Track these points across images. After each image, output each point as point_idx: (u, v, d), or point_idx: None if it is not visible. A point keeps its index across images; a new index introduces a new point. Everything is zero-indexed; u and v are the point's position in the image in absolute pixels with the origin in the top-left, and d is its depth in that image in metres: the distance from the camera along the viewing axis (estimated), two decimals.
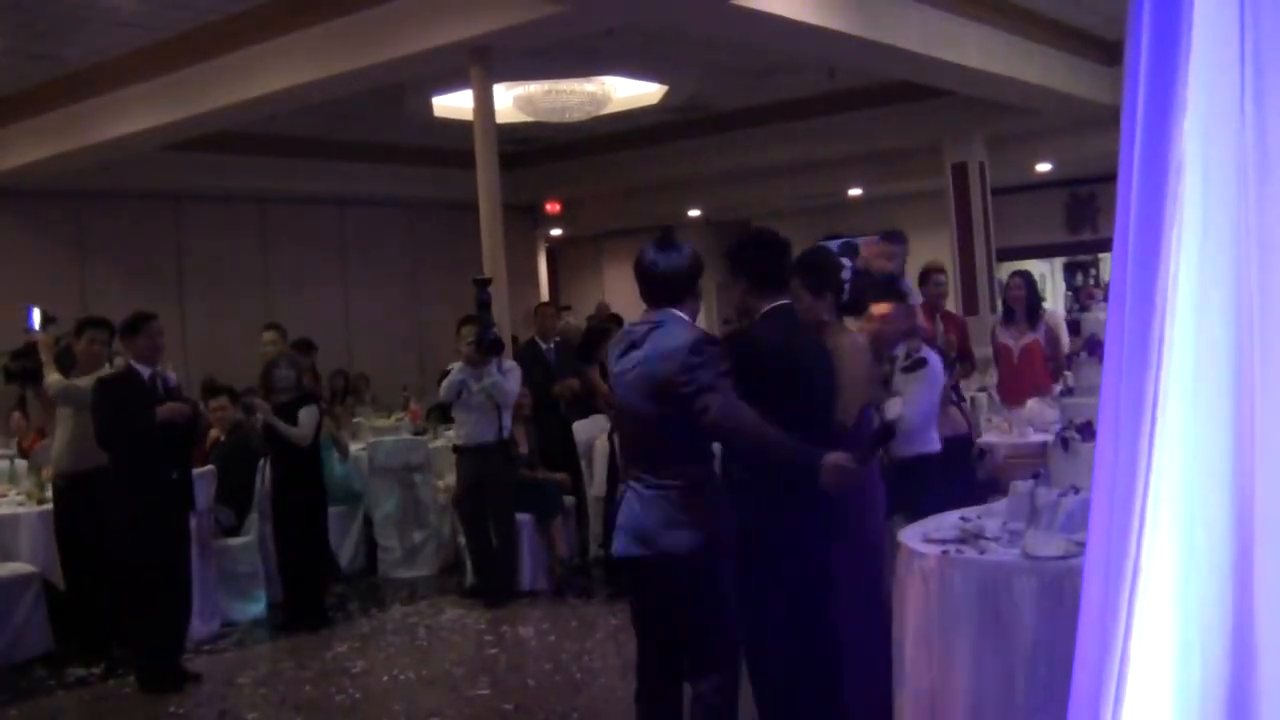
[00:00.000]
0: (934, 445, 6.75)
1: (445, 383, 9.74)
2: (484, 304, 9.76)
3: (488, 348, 9.52)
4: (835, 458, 4.65)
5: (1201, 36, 2.27)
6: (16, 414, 12.08)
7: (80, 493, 8.23)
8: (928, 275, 9.90)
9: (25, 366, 9.22)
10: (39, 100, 13.22)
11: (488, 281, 9.90)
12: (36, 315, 9.20)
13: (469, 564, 10.00)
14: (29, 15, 10.75)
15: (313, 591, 9.38)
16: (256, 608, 9.60)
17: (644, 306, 4.99)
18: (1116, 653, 2.28)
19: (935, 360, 6.85)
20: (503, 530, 9.71)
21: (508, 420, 9.71)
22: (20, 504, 9.26)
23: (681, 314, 4.88)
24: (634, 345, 4.89)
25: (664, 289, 4.91)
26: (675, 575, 4.83)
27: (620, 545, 4.94)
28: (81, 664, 8.35)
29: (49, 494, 9.02)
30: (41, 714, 7.54)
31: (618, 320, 12.78)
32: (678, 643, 4.97)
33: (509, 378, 9.64)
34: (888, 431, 5.31)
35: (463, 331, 9.81)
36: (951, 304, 15.67)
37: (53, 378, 8.56)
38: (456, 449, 9.93)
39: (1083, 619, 2.47)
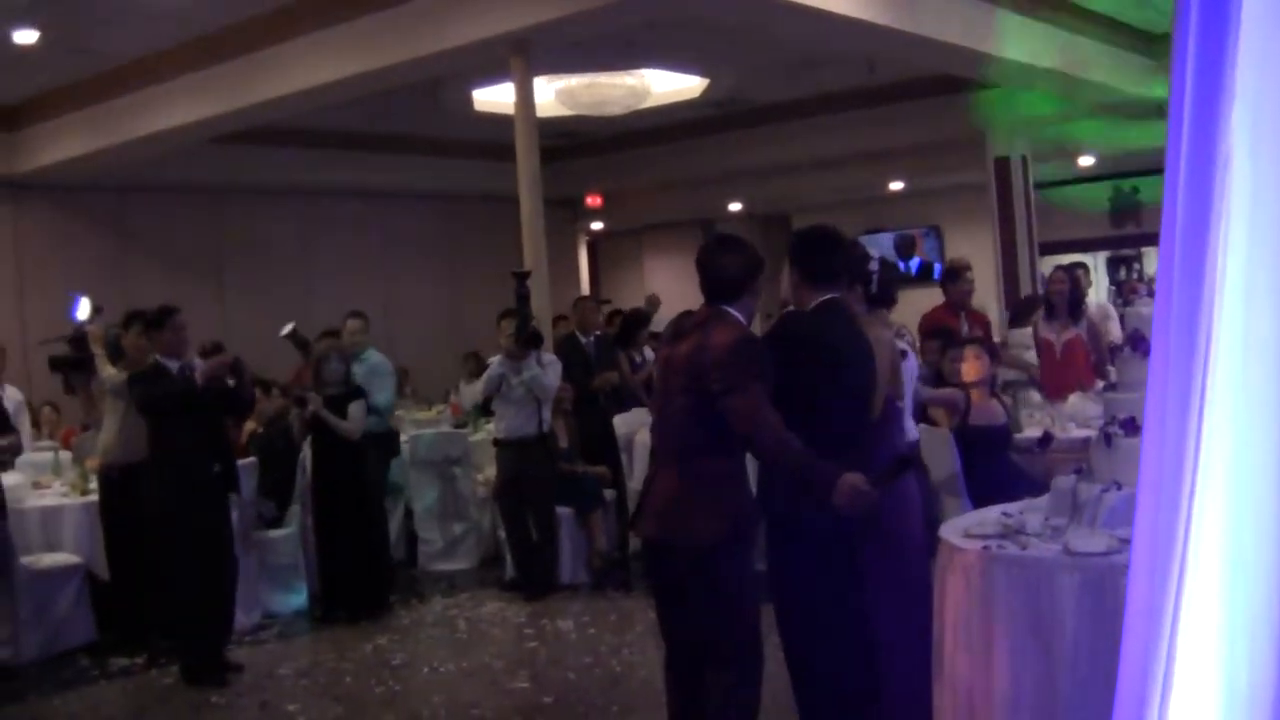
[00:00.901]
0: (912, 434, 6.76)
1: (485, 376, 9.78)
2: (523, 297, 9.76)
3: (527, 340, 9.51)
4: (852, 479, 4.63)
5: (1249, 27, 2.25)
6: (47, 409, 12.20)
7: (129, 483, 8.25)
8: (957, 273, 10.06)
9: (72, 356, 9.25)
10: (82, 95, 13.32)
11: (527, 275, 9.92)
12: (83, 305, 9.25)
13: (509, 557, 10.00)
14: (72, 11, 10.82)
15: (360, 582, 9.36)
16: (298, 599, 9.64)
17: (688, 299, 5.03)
18: (1163, 650, 2.26)
19: (911, 354, 6.93)
20: (542, 524, 9.71)
21: (547, 414, 9.72)
22: (64, 495, 9.32)
23: (735, 312, 4.90)
24: (680, 336, 4.95)
25: (720, 286, 4.95)
26: (696, 563, 4.84)
27: (647, 528, 5.00)
28: (124, 654, 8.40)
29: (92, 485, 9.06)
30: (84, 704, 7.58)
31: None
32: (698, 630, 4.98)
33: (548, 371, 9.64)
34: (905, 462, 5.30)
35: (502, 324, 9.82)
36: (993, 299, 15.72)
37: (108, 370, 8.62)
38: (496, 442, 9.94)
39: (1128, 616, 2.45)
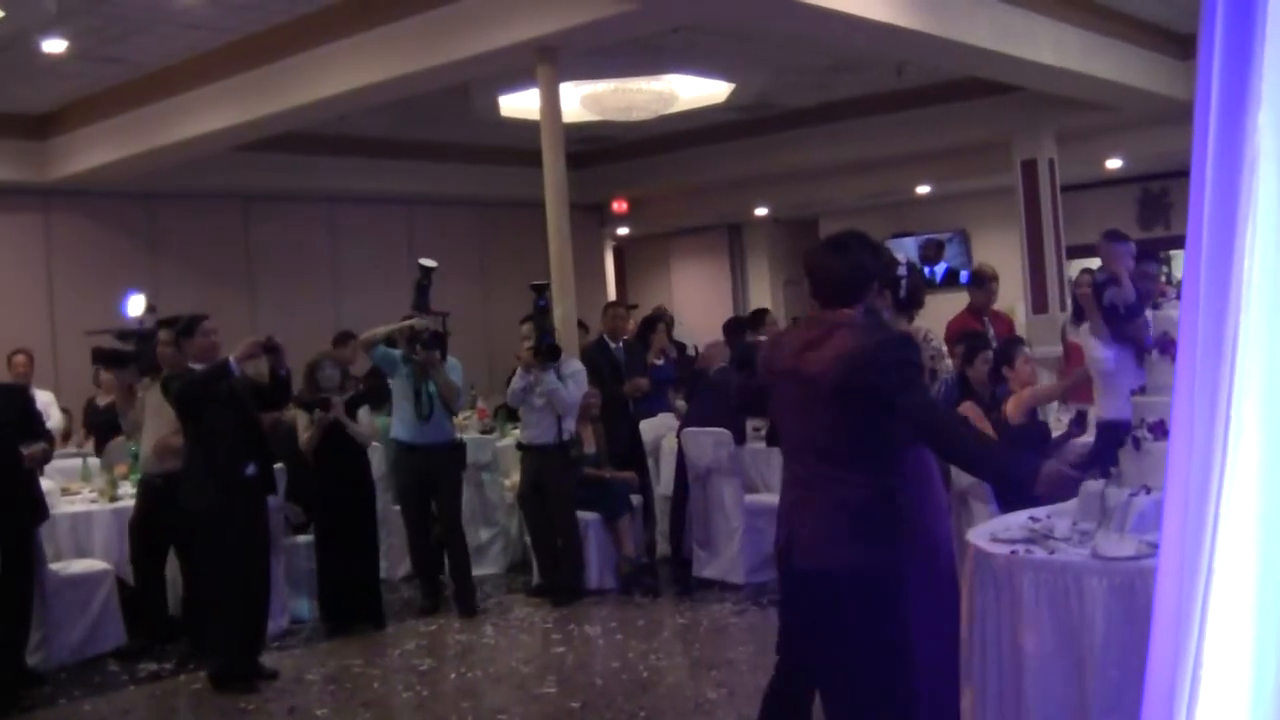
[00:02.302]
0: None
1: (510, 390, 9.81)
2: (542, 309, 9.69)
3: (545, 354, 9.47)
4: (1055, 466, 4.40)
5: (1276, 30, 2.24)
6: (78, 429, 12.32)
7: (172, 491, 8.21)
8: (984, 280, 10.28)
9: (120, 350, 9.24)
10: (112, 103, 13.39)
11: (545, 287, 9.86)
12: (135, 301, 9.24)
13: (535, 562, 10.02)
14: (101, 19, 10.88)
15: (359, 591, 9.34)
16: (313, 605, 9.63)
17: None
18: (1191, 655, 2.25)
19: (948, 358, 6.95)
20: (565, 529, 9.72)
21: (570, 423, 9.70)
22: (93, 501, 9.36)
23: (858, 315, 4.64)
24: (810, 345, 4.61)
25: (833, 290, 4.66)
26: (857, 594, 4.49)
27: (801, 559, 4.59)
28: (153, 659, 8.44)
29: (120, 491, 9.09)
30: (114, 709, 7.62)
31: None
32: (840, 668, 4.65)
33: (570, 382, 9.62)
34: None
35: (523, 329, 9.83)
36: (1021, 302, 15.72)
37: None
38: (520, 446, 10.00)
39: (1156, 620, 2.44)
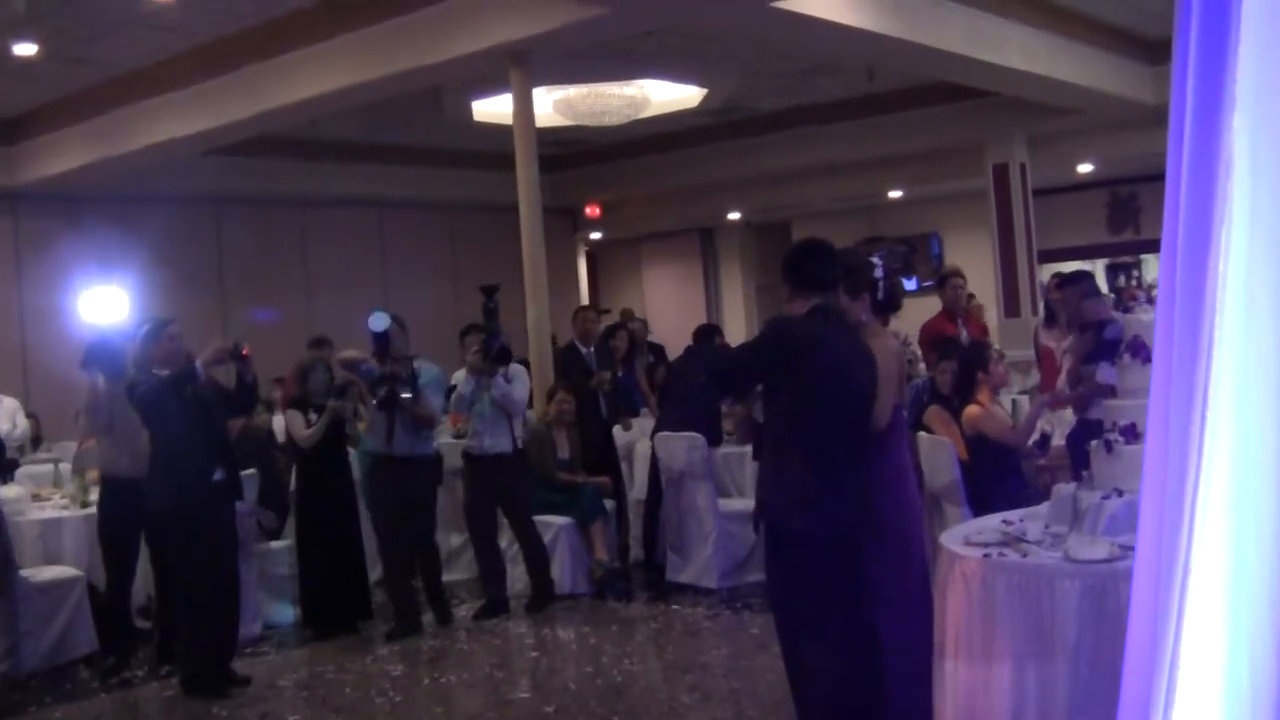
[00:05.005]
0: None
1: (454, 396, 9.54)
2: (491, 312, 9.35)
3: (495, 357, 9.23)
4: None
5: (1249, 33, 2.25)
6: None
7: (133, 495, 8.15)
8: (945, 279, 10.31)
9: None
10: (81, 107, 13.35)
11: (495, 289, 9.49)
12: None
13: (508, 569, 9.94)
14: (70, 22, 10.83)
15: (339, 597, 9.27)
16: (297, 611, 9.60)
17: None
18: (1167, 655, 2.26)
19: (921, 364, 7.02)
20: (532, 537, 9.60)
21: (518, 428, 9.57)
22: (64, 507, 9.31)
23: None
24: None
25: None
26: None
27: None
28: (125, 666, 8.38)
29: (92, 497, 9.05)
30: (85, 716, 7.56)
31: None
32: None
33: (515, 385, 9.47)
34: None
35: (466, 341, 9.70)
36: (992, 306, 15.77)
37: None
38: (468, 456, 9.66)
39: (1132, 621, 2.45)
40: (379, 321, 9.03)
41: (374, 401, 8.93)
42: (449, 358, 18.02)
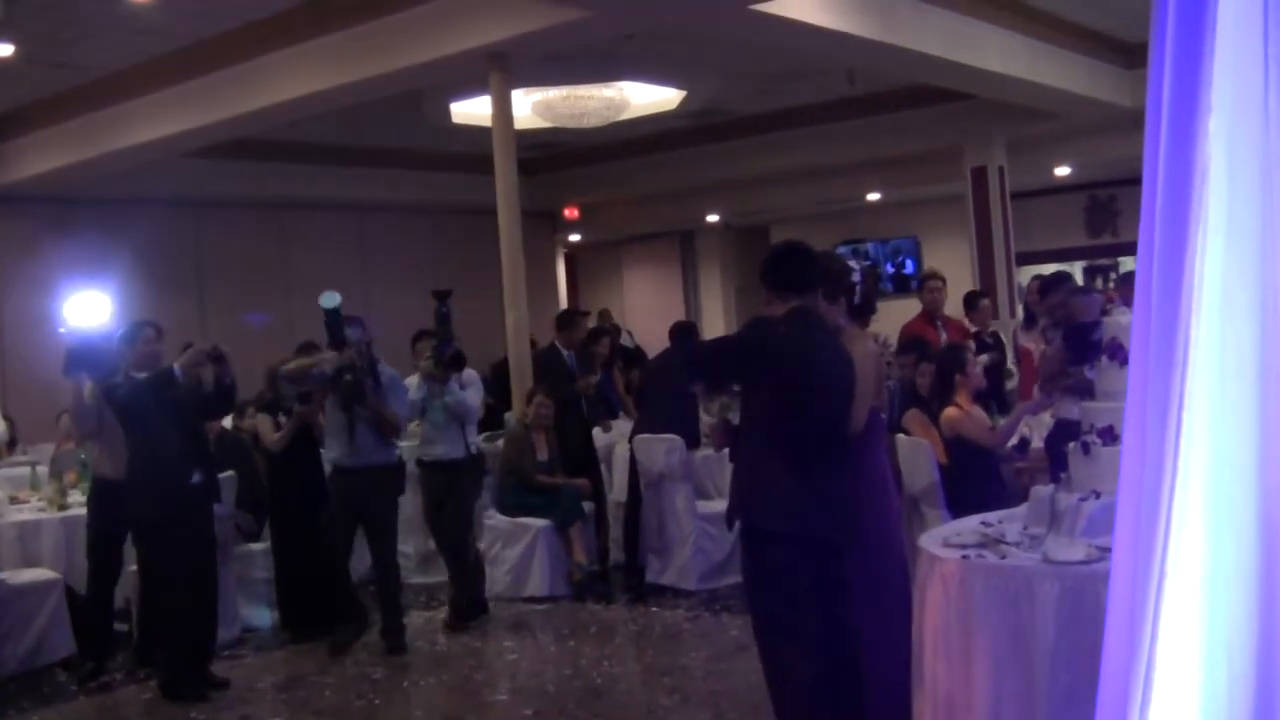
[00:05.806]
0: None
1: (407, 401, 9.16)
2: (444, 318, 9.09)
3: (448, 364, 9.03)
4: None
5: (1225, 37, 2.27)
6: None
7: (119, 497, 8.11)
8: (924, 282, 10.44)
9: None
10: (60, 108, 13.28)
11: (448, 294, 9.19)
12: None
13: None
14: (50, 24, 10.78)
15: (316, 599, 9.20)
16: (276, 614, 9.58)
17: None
18: (1144, 655, 2.27)
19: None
20: (466, 544, 9.40)
21: (472, 434, 9.43)
22: (42, 510, 9.28)
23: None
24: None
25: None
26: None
27: None
28: (103, 669, 8.35)
29: (70, 499, 9.01)
30: (63, 719, 7.55)
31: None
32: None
33: (471, 390, 9.34)
34: None
35: (418, 346, 9.60)
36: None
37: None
38: (422, 463, 9.44)
39: (1109, 622, 2.46)
40: (330, 299, 8.67)
41: (334, 396, 8.64)
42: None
